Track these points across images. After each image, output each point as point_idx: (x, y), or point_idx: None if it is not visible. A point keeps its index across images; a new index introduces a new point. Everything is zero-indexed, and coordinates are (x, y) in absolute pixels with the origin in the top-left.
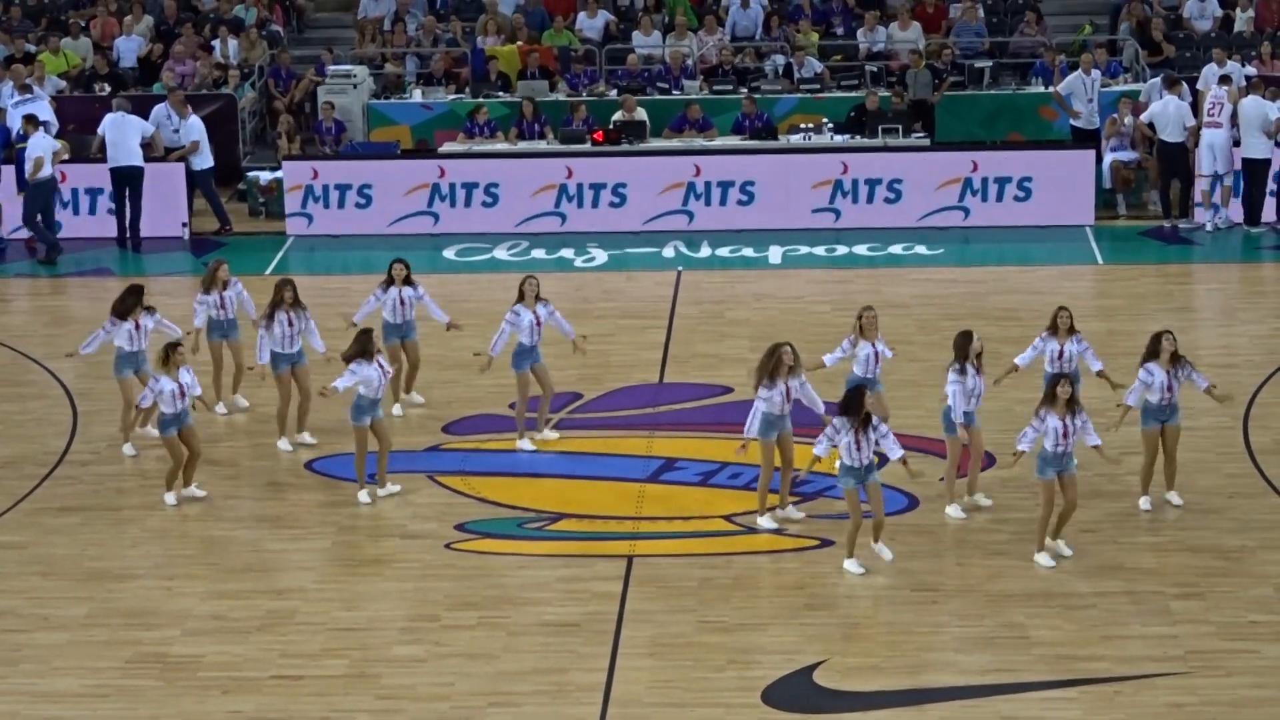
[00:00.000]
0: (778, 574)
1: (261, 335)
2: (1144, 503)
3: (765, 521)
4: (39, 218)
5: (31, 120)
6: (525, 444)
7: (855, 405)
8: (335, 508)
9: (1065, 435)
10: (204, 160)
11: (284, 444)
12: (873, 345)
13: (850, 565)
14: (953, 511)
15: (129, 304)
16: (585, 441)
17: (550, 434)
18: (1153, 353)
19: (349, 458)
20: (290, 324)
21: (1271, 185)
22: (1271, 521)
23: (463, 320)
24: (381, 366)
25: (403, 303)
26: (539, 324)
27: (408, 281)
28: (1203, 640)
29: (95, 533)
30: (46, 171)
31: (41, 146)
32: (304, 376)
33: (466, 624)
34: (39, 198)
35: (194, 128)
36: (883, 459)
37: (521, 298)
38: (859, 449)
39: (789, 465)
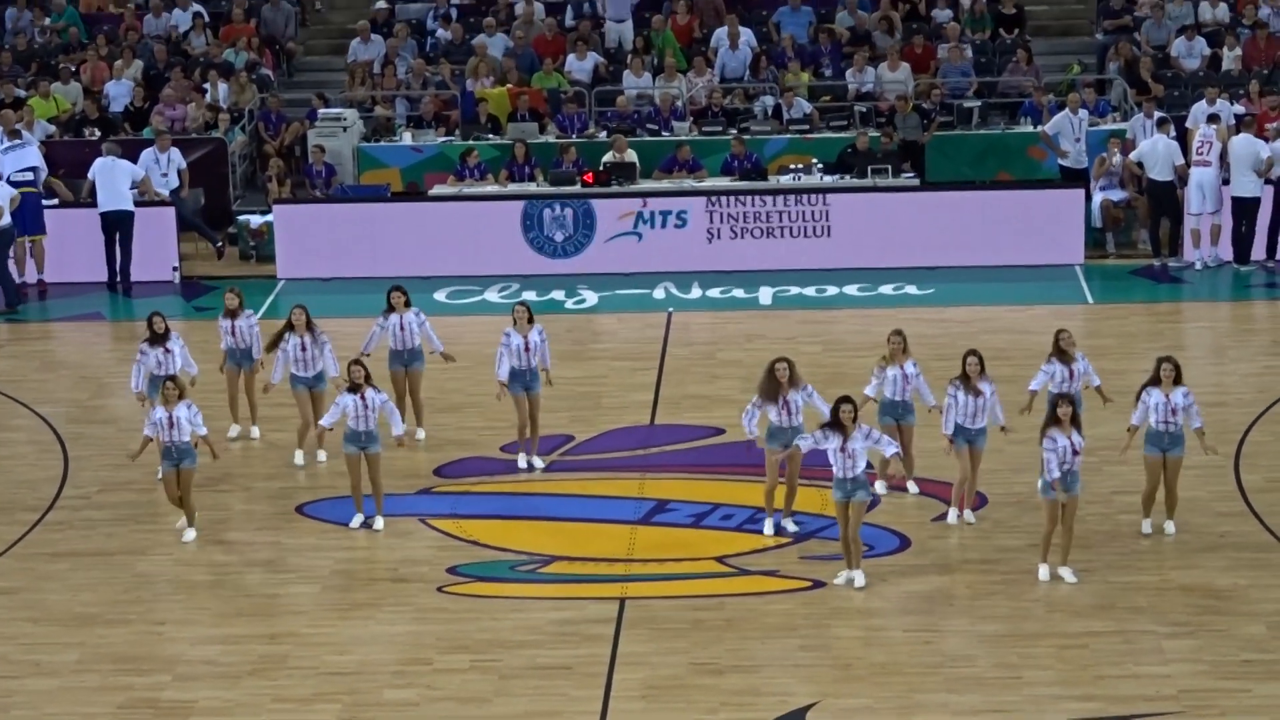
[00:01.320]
0: (770, 615)
1: (279, 356)
2: (1145, 526)
3: (768, 527)
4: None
5: None
6: (521, 462)
7: (833, 415)
8: (327, 551)
9: (1074, 453)
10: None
11: (297, 457)
12: (900, 368)
13: (844, 578)
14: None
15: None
16: (577, 483)
17: (538, 462)
18: (1154, 378)
19: (340, 500)
20: (304, 348)
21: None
22: (1263, 560)
23: (455, 362)
24: (361, 398)
25: (403, 328)
26: (528, 349)
27: (408, 306)
28: (1195, 679)
29: (86, 578)
30: (5, 220)
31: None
32: (320, 401)
33: (459, 667)
34: (5, 245)
35: (176, 156)
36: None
37: (514, 322)
38: (844, 461)
39: (794, 481)
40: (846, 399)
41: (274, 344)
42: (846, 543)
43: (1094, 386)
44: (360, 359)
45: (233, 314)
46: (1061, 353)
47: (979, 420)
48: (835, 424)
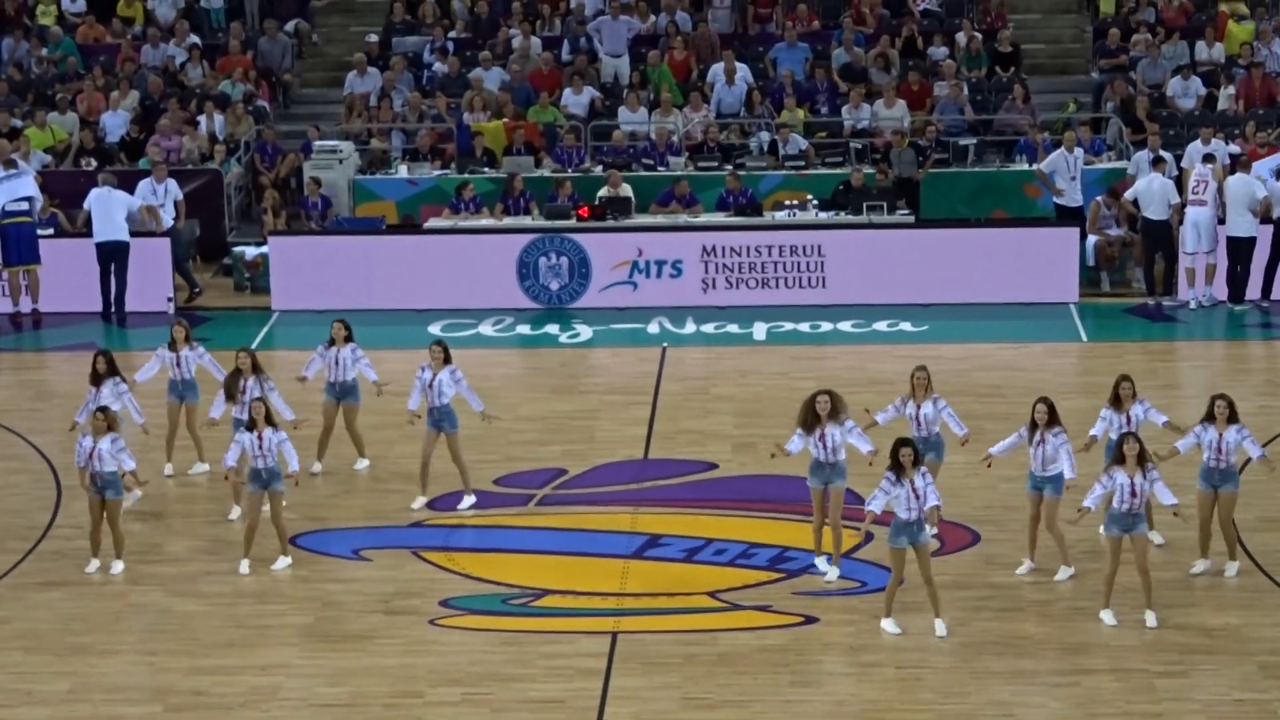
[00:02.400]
0: (763, 651)
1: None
2: (1198, 566)
3: (821, 564)
4: None
5: None
6: (415, 502)
7: (892, 457)
8: (318, 583)
9: (1133, 494)
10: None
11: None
12: (918, 406)
13: (887, 625)
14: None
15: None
16: (569, 517)
17: (420, 501)
18: (1209, 415)
19: (332, 533)
20: (244, 391)
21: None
22: (1255, 600)
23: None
24: (259, 436)
25: (337, 363)
26: (431, 387)
27: (349, 341)
28: (1188, 718)
29: (78, 607)
30: None
31: None
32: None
33: (451, 700)
34: None
35: (172, 187)
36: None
37: (431, 359)
38: (909, 500)
39: (836, 523)
40: (905, 441)
41: (230, 394)
42: (895, 587)
43: (1161, 424)
44: (263, 397)
45: (175, 346)
46: (1117, 400)
47: (1049, 469)
48: (896, 467)
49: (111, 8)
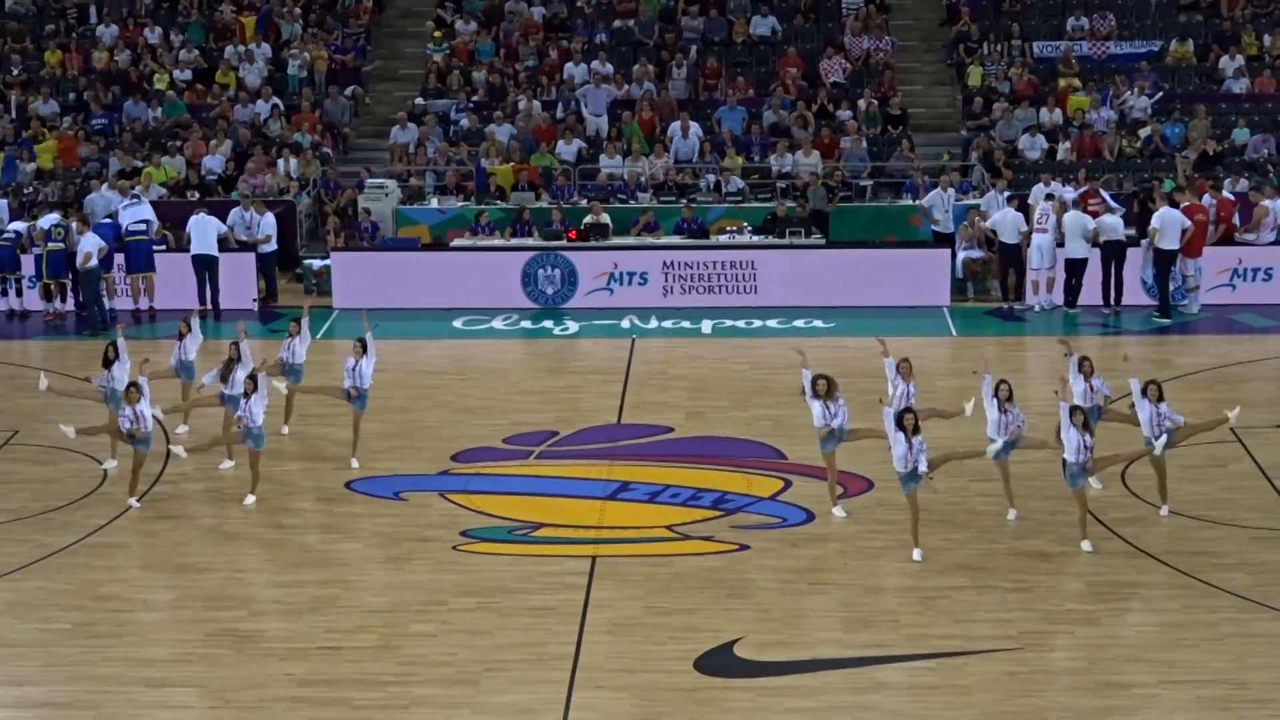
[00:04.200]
0: (707, 571)
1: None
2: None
3: (838, 511)
4: (95, 299)
5: (84, 220)
6: (354, 463)
7: (897, 422)
8: (369, 518)
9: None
10: (270, 246)
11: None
12: (907, 385)
13: (916, 555)
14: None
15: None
16: (560, 468)
17: (355, 463)
18: (1143, 392)
19: (378, 480)
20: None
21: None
22: (1077, 535)
23: (466, 373)
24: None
25: (292, 352)
26: (352, 371)
27: (296, 335)
28: (1031, 623)
29: (182, 535)
30: (94, 263)
31: (90, 243)
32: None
33: (468, 608)
34: (90, 284)
35: (269, 223)
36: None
37: (353, 350)
38: (905, 457)
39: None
40: (909, 410)
41: (225, 376)
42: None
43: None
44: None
45: (181, 336)
46: (1144, 393)
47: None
48: (904, 429)
49: (211, 75)
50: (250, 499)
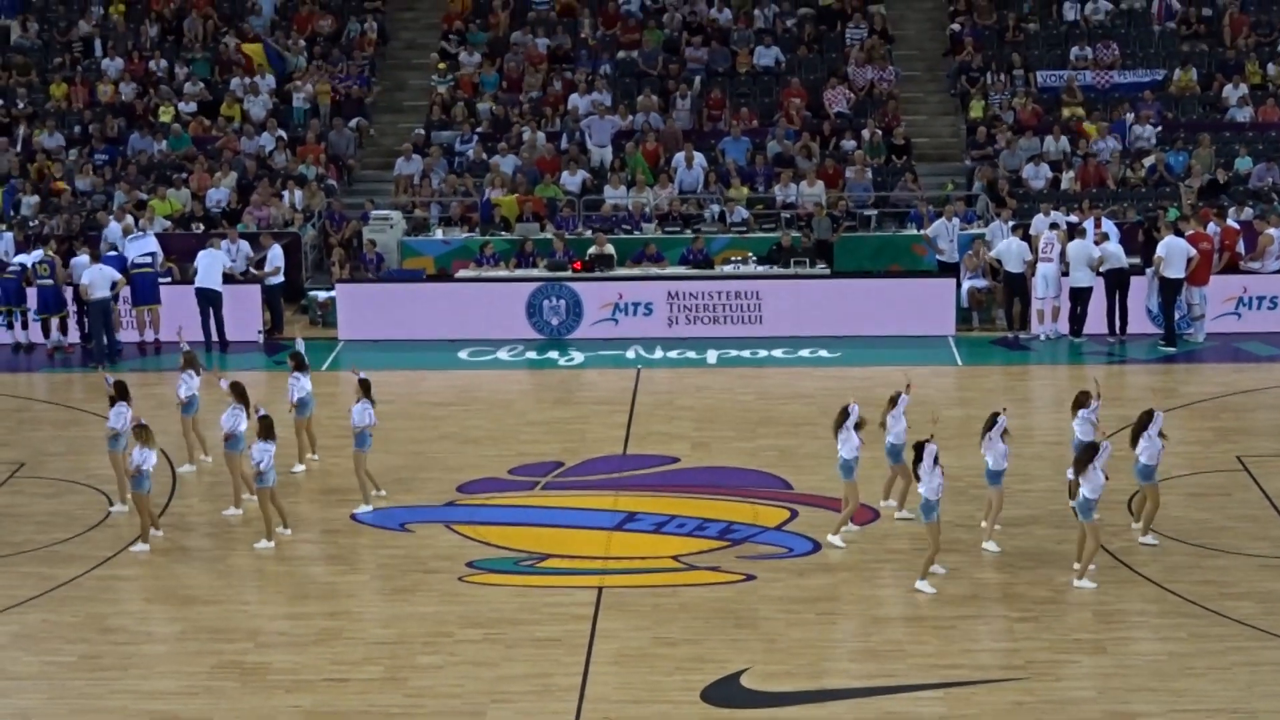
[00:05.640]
0: (713, 601)
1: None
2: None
3: (836, 539)
4: (102, 330)
5: (94, 255)
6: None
7: (917, 456)
8: (374, 550)
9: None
10: (277, 278)
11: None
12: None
13: (922, 585)
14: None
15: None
16: (566, 498)
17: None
18: (1143, 425)
19: (382, 512)
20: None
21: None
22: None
23: (472, 404)
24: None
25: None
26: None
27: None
28: (1038, 652)
29: (188, 569)
30: (102, 293)
31: (100, 275)
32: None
33: (474, 639)
34: (98, 316)
35: (276, 255)
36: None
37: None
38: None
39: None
40: (920, 444)
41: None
42: (934, 554)
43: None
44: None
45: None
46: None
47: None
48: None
49: (216, 108)
50: (264, 543)
